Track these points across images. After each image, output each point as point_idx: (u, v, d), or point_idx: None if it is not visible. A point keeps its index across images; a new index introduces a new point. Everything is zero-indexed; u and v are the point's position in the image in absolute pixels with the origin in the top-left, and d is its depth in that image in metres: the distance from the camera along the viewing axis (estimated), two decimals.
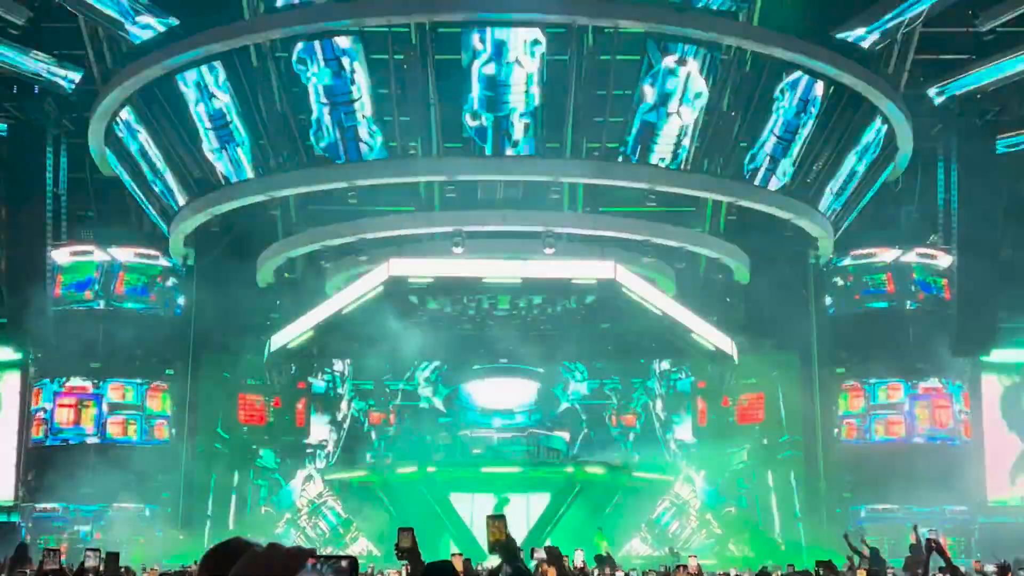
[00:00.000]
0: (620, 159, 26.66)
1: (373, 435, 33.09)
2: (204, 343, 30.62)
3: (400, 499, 29.96)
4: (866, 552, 19.86)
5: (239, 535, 3.60)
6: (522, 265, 29.54)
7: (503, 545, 6.85)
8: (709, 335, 31.08)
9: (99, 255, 30.90)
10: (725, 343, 31.27)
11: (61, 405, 30.31)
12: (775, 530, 30.97)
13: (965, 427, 31.83)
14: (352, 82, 25.61)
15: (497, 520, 6.91)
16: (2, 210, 31.53)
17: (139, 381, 30.61)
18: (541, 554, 10.03)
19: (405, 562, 6.87)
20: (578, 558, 15.86)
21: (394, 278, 29.24)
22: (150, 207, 29.97)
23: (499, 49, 24.85)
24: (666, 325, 30.65)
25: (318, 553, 3.00)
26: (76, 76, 29.28)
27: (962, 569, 13.84)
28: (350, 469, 31.79)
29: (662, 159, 26.67)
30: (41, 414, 30.44)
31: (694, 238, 29.60)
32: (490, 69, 25.08)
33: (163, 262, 31.32)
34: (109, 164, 29.93)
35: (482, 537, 10.35)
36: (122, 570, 19.69)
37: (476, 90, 25.34)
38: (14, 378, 31.95)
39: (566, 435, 33.39)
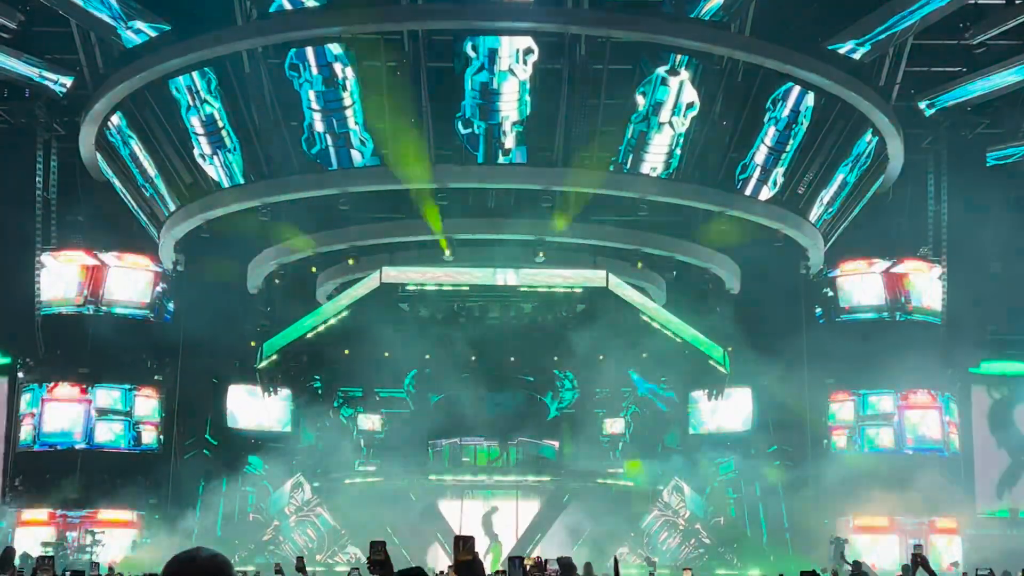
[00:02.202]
0: (612, 168, 26.69)
1: (362, 442, 33.00)
2: (193, 349, 30.50)
3: (389, 506, 29.90)
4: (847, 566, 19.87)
5: (201, 545, 3.60)
6: (513, 273, 29.55)
7: (469, 566, 6.75)
8: (699, 344, 31.09)
9: (88, 260, 30.81)
10: (715, 352, 31.29)
11: (49, 410, 30.16)
12: (763, 540, 30.96)
13: (954, 438, 31.88)
14: (344, 89, 25.58)
15: (467, 542, 6.82)
16: None
17: (127, 386, 30.50)
18: (554, 566, 9.96)
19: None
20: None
21: (385, 285, 29.23)
22: (140, 212, 29.90)
23: (492, 57, 24.84)
24: (656, 334, 30.66)
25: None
26: (67, 80, 29.22)
27: None
28: (338, 476, 31.68)
29: (653, 168, 26.70)
30: (29, 419, 30.29)
31: (685, 247, 29.63)
32: (483, 77, 25.07)
33: (153, 267, 31.24)
34: (100, 169, 29.85)
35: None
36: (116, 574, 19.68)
37: (468, 98, 25.33)
38: (1, 383, 31.76)
39: (555, 443, 33.35)
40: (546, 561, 12.59)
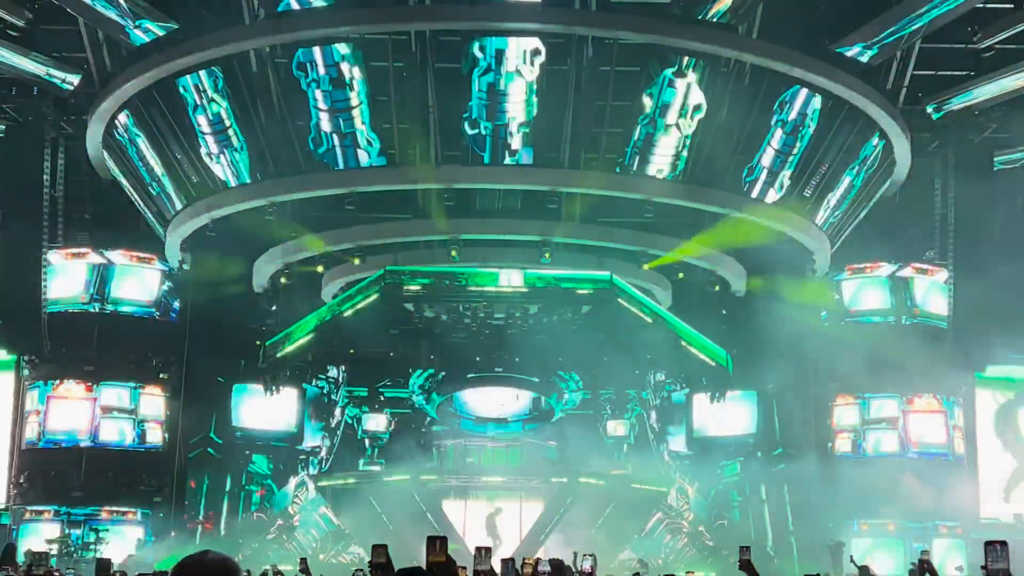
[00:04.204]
0: (618, 170, 26.66)
1: (367, 442, 33.03)
2: (199, 347, 30.54)
3: (393, 506, 29.92)
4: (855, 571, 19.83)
5: (208, 548, 3.59)
6: (518, 274, 29.53)
7: (443, 567, 6.75)
8: (704, 346, 31.06)
9: (95, 258, 30.88)
10: (719, 355, 31.25)
11: (54, 408, 30.21)
12: (768, 543, 30.92)
13: (959, 442, 31.82)
14: (351, 89, 25.59)
15: (441, 543, 6.83)
16: None
17: (133, 384, 30.54)
18: (546, 567, 9.99)
19: None
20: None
21: (390, 285, 29.23)
22: (147, 211, 29.93)
23: (499, 58, 24.84)
24: (661, 336, 30.63)
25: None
26: (75, 79, 29.26)
27: None
28: (343, 476, 31.72)
29: (660, 171, 26.68)
30: (34, 416, 30.34)
31: (690, 249, 29.57)
32: (489, 78, 25.06)
33: (159, 266, 31.29)
34: (106, 167, 29.90)
35: (477, 543, 10.29)
36: (116, 574, 19.70)
37: (475, 99, 25.33)
38: (7, 380, 31.78)
39: (560, 445, 33.34)
40: (537, 561, 12.65)
